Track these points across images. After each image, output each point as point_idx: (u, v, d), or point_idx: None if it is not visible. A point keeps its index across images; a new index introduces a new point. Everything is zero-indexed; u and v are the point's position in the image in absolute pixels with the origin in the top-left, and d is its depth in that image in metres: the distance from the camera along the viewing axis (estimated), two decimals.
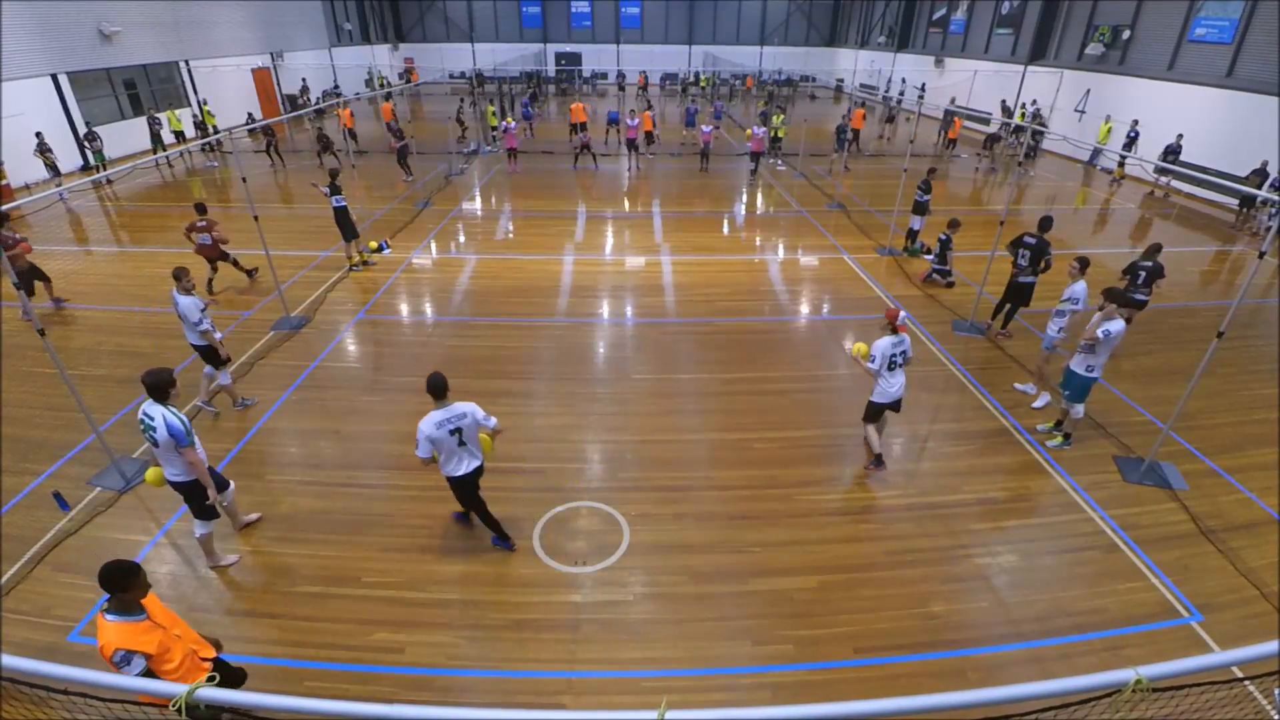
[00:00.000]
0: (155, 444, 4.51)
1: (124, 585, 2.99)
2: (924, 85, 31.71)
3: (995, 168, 20.18)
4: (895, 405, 6.08)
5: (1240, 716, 3.94)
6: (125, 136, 19.44)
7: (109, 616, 2.98)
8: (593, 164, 19.12)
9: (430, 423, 4.55)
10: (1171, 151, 16.33)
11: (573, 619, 4.70)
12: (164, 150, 18.94)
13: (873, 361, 5.79)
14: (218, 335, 6.66)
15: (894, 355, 5.80)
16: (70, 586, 4.86)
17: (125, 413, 6.99)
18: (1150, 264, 8.00)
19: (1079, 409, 6.46)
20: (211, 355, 6.75)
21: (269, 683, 4.18)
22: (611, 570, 5.13)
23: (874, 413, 6.14)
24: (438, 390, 4.57)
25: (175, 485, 4.73)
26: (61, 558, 5.13)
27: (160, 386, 4.45)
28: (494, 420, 4.81)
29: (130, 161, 18.48)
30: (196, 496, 4.76)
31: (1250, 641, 1.80)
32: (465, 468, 4.76)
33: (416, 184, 17.18)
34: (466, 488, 4.89)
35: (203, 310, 6.46)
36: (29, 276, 9.12)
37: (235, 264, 10.24)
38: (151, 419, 4.44)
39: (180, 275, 6.36)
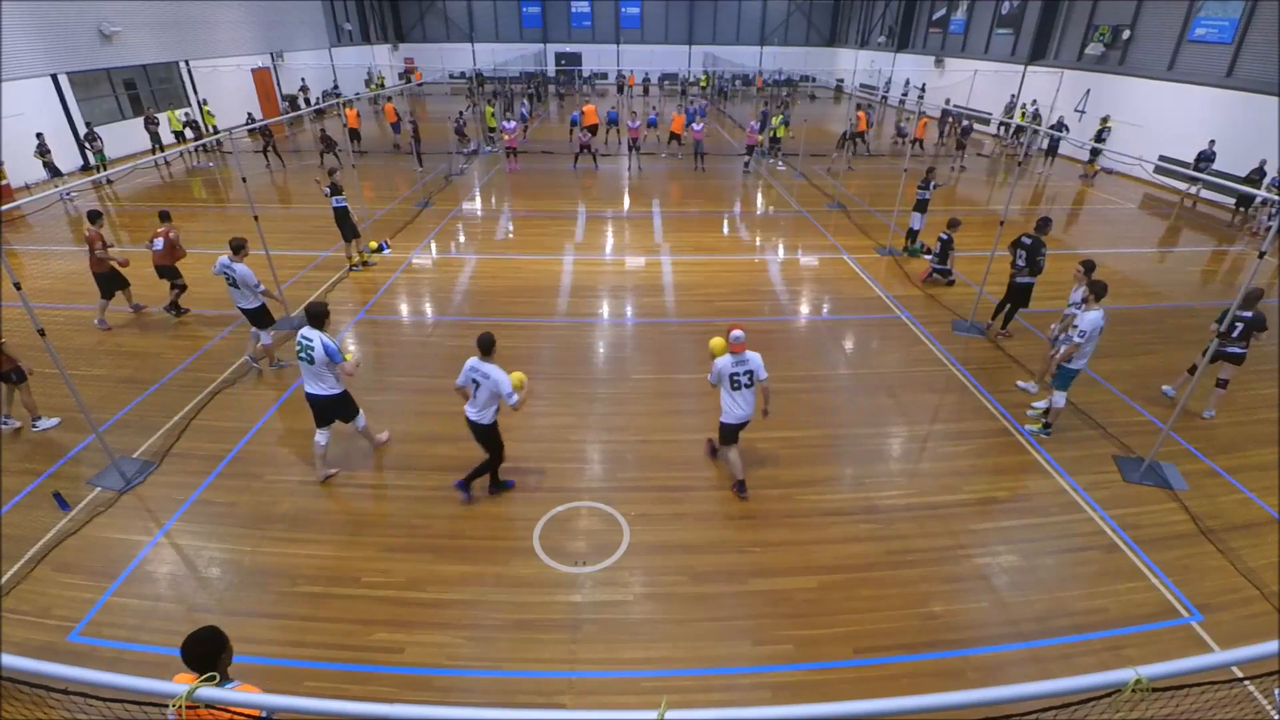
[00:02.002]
0: (311, 361, 5.45)
1: (215, 653, 2.66)
2: (924, 85, 31.79)
3: (965, 165, 20.21)
4: (744, 425, 5.73)
5: (1240, 716, 3.94)
6: (125, 136, 19.43)
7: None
8: (593, 164, 19.13)
9: (469, 364, 5.31)
10: (1205, 158, 15.82)
11: (573, 619, 4.70)
12: (163, 150, 18.94)
13: (711, 376, 5.57)
14: (276, 290, 7.65)
15: (736, 375, 5.42)
16: (70, 586, 4.86)
17: (125, 413, 7.00)
18: (1250, 314, 6.57)
19: (1059, 398, 6.61)
20: (258, 318, 7.49)
21: (269, 683, 4.17)
22: (611, 570, 5.13)
23: (726, 434, 5.76)
24: (485, 347, 5.27)
25: (324, 399, 5.71)
26: (61, 558, 5.13)
27: (320, 315, 5.50)
28: (515, 400, 5.20)
29: (130, 162, 18.49)
30: (347, 407, 5.90)
31: (1250, 641, 1.80)
32: (470, 414, 5.44)
33: (417, 183, 17.20)
34: (475, 430, 5.53)
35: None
36: (110, 283, 8.93)
37: (177, 290, 9.29)
38: (310, 341, 5.39)
39: (240, 246, 7.24)
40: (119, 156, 18.98)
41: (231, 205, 15.60)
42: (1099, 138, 18.56)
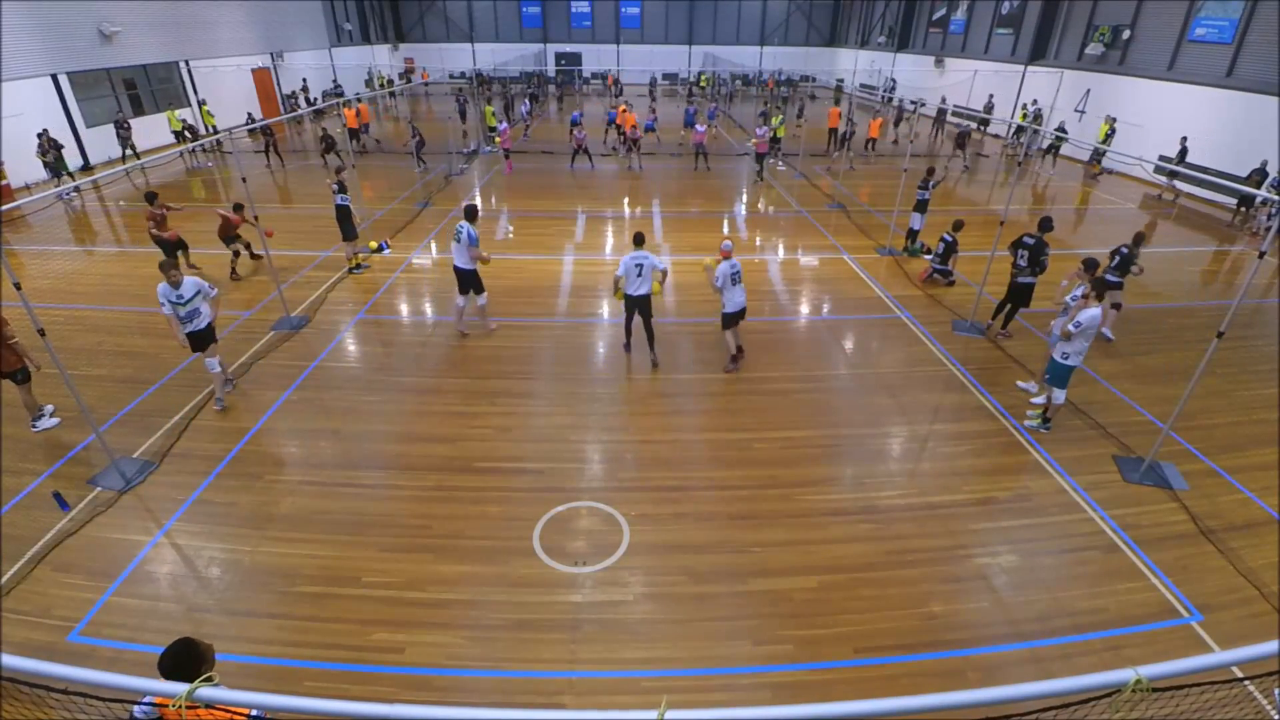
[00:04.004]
0: (458, 241, 8.08)
1: (196, 665, 2.56)
2: (892, 83, 32.39)
3: (968, 165, 20.19)
4: (743, 313, 7.82)
5: (1240, 716, 3.94)
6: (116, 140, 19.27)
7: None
8: (589, 164, 19.09)
9: (631, 255, 7.51)
10: (1179, 156, 16.46)
11: (573, 619, 4.70)
12: (138, 158, 18.56)
13: (717, 280, 7.56)
14: (185, 327, 6.65)
15: (732, 274, 7.55)
16: (70, 586, 4.86)
17: (125, 413, 7.00)
18: (1127, 250, 8.51)
19: (1059, 394, 6.66)
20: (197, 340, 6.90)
21: (269, 683, 4.19)
22: (612, 570, 5.13)
23: (729, 321, 7.83)
24: (639, 241, 7.64)
25: (464, 271, 8.25)
26: (61, 558, 5.13)
27: (472, 212, 8.24)
28: (664, 266, 7.76)
29: (128, 163, 18.46)
30: (477, 281, 8.37)
31: (1250, 641, 1.80)
32: (633, 291, 7.59)
33: (417, 183, 17.19)
34: (639, 303, 7.69)
35: (170, 300, 6.50)
36: (175, 247, 10.43)
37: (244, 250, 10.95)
38: (461, 229, 8.05)
39: (164, 268, 6.49)
40: (119, 157, 18.93)
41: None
42: (1107, 138, 18.46)
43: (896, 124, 25.97)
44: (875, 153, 21.41)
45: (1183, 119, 17.24)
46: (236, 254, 10.74)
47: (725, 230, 13.95)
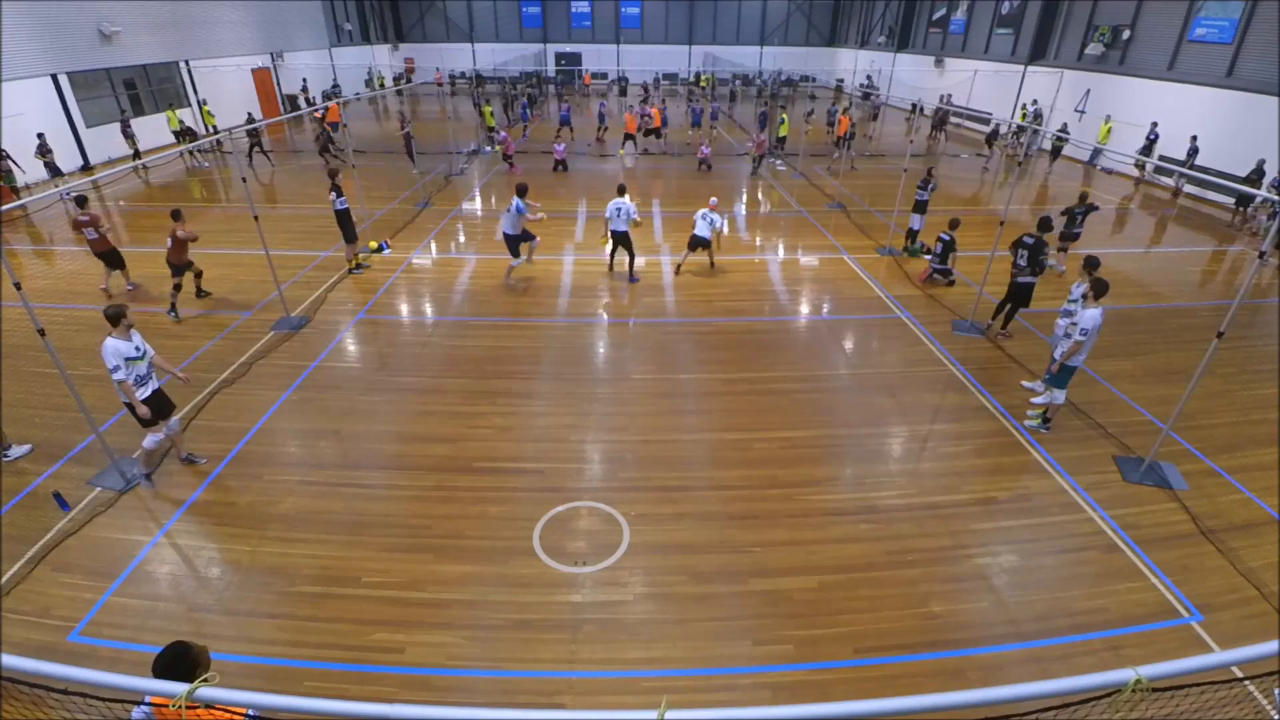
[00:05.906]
0: (509, 213, 9.86)
1: (191, 668, 2.56)
2: (872, 78, 32.75)
3: (988, 166, 20.20)
4: (702, 241, 10.71)
5: (1240, 716, 3.94)
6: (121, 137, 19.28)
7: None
8: (563, 168, 18.98)
9: (612, 203, 10.26)
10: (1190, 154, 16.50)
11: (573, 619, 4.70)
12: (140, 158, 18.56)
13: (698, 215, 10.71)
14: (139, 393, 5.54)
15: (699, 217, 10.59)
16: (70, 586, 4.86)
17: (125, 413, 6.98)
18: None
19: (1059, 395, 6.69)
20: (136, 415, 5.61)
21: (269, 683, 4.19)
22: (612, 570, 5.13)
23: (693, 244, 10.89)
24: (621, 191, 10.49)
25: (511, 236, 10.07)
26: (61, 558, 5.13)
27: (522, 190, 9.96)
28: (637, 216, 10.34)
29: (126, 163, 18.45)
30: (517, 245, 10.22)
31: (1250, 641, 1.80)
32: (615, 228, 10.38)
33: (417, 183, 17.18)
34: (619, 237, 10.51)
35: (127, 359, 5.41)
36: (112, 258, 9.93)
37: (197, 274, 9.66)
38: (513, 203, 9.74)
39: (115, 318, 5.36)
40: (119, 157, 18.92)
41: (230, 206, 15.59)
42: (1148, 146, 18.22)
43: (874, 118, 25.83)
44: (838, 149, 21.08)
45: (1183, 119, 17.23)
46: (178, 288, 9.10)
47: (725, 230, 13.91)
